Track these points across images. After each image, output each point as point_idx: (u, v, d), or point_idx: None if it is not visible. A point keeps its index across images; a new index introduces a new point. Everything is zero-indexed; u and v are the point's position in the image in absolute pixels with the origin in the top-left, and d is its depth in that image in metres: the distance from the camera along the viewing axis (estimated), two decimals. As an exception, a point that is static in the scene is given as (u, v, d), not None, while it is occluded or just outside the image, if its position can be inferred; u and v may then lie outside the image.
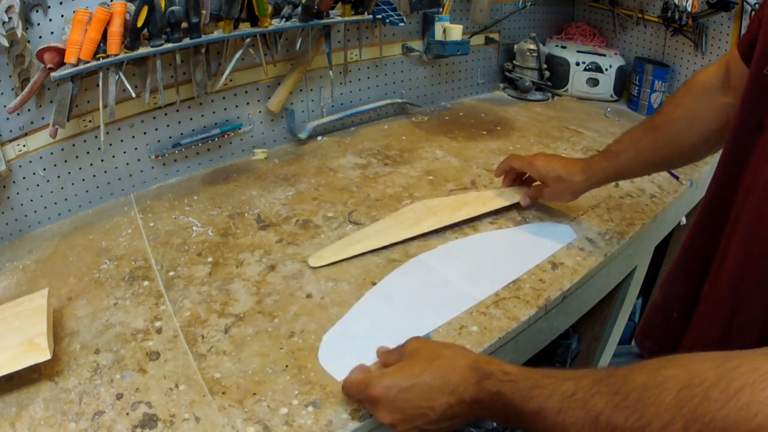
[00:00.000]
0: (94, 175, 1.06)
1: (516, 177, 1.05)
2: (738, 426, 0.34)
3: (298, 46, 1.21)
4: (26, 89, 0.86)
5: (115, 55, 0.91)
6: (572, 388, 0.44)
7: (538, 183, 0.98)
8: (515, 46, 1.75)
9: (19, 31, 0.82)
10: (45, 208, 1.00)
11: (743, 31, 1.43)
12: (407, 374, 0.56)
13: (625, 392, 0.40)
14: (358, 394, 0.60)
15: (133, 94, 0.98)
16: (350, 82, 1.42)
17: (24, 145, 0.93)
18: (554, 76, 1.76)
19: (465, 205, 1.00)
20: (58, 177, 1.00)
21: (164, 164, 1.16)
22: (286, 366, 0.69)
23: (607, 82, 1.72)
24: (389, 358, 0.63)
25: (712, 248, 0.61)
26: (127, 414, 0.61)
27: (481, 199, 1.02)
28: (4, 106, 0.87)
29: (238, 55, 1.11)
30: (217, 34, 1.03)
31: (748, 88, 0.58)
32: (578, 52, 1.75)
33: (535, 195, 0.99)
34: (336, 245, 0.91)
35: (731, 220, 0.58)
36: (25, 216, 0.98)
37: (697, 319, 0.63)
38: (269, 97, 1.27)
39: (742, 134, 0.59)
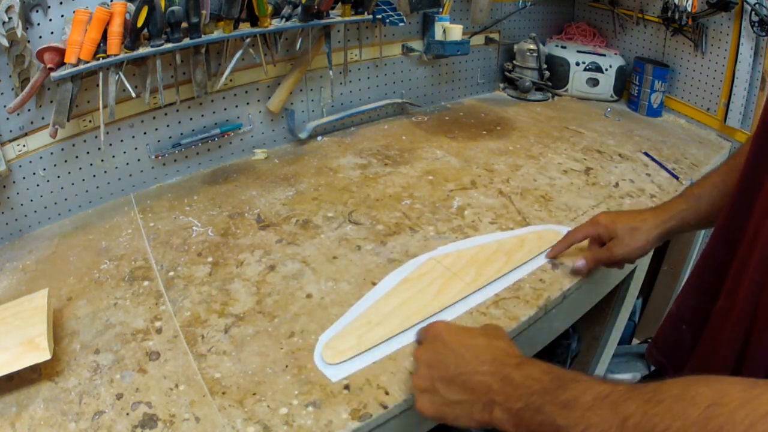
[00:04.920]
0: (94, 175, 1.06)
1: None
2: None
3: (298, 46, 1.21)
4: (26, 89, 0.86)
5: (115, 55, 0.91)
6: (607, 390, 0.44)
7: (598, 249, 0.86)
8: (515, 46, 1.75)
9: (19, 31, 0.82)
10: (45, 208, 1.00)
11: (743, 32, 1.43)
12: (466, 332, 0.60)
13: (656, 401, 0.40)
14: (427, 327, 0.64)
15: (133, 94, 0.98)
16: (350, 82, 1.42)
17: (24, 145, 0.93)
18: (554, 76, 1.76)
19: (488, 261, 0.87)
20: (58, 177, 1.00)
21: (164, 164, 1.16)
22: (286, 366, 0.69)
23: (607, 82, 1.72)
24: None
25: (729, 262, 0.60)
26: (127, 414, 0.61)
27: (504, 251, 0.90)
28: (4, 106, 0.87)
29: (238, 55, 1.11)
30: (217, 34, 1.03)
31: None
32: (578, 52, 1.74)
33: (594, 257, 0.84)
34: (352, 331, 0.73)
35: (750, 234, 0.57)
36: (25, 216, 0.98)
37: (709, 334, 0.62)
38: (269, 97, 1.27)
39: (761, 150, 0.58)
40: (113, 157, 1.07)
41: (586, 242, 0.88)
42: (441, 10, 1.47)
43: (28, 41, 0.86)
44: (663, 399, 0.40)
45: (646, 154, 1.34)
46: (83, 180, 1.04)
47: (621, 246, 0.81)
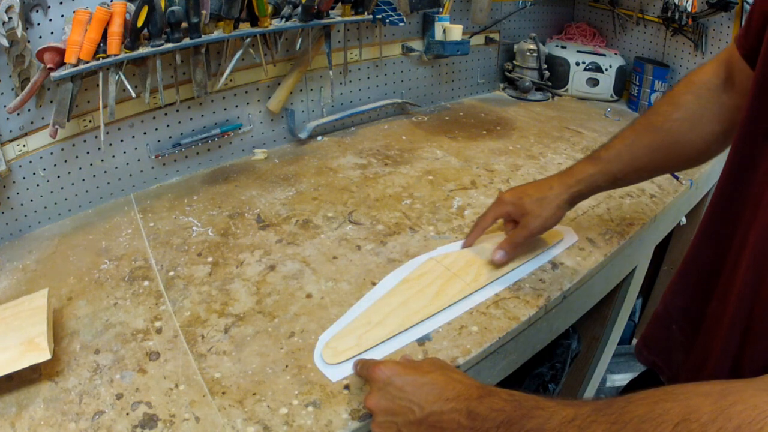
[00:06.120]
0: (94, 175, 1.06)
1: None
2: None
3: (298, 46, 1.21)
4: (26, 89, 0.86)
5: (115, 55, 0.91)
6: (572, 414, 0.44)
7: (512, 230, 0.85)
8: (515, 46, 1.75)
9: (19, 31, 0.82)
10: (45, 208, 1.00)
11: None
12: (415, 369, 0.57)
13: (622, 422, 0.40)
14: (364, 370, 0.61)
15: (133, 94, 0.98)
16: (350, 82, 1.42)
17: (24, 145, 0.93)
18: (554, 76, 1.76)
19: (488, 261, 0.86)
20: (58, 177, 1.00)
21: (164, 164, 1.16)
22: (286, 366, 0.69)
23: (607, 82, 1.72)
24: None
25: (718, 263, 0.59)
26: (127, 414, 0.61)
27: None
28: (4, 106, 0.87)
29: (238, 55, 1.11)
30: (217, 34, 1.03)
31: (754, 94, 0.54)
32: (578, 52, 1.75)
33: (511, 240, 0.83)
34: (352, 331, 0.73)
35: (739, 236, 0.56)
36: (25, 216, 0.98)
37: (704, 335, 0.62)
38: (269, 97, 1.27)
39: (747, 143, 0.56)
40: (113, 157, 1.07)
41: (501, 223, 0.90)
42: (441, 10, 1.47)
43: (28, 41, 0.86)
44: (630, 420, 0.40)
45: (646, 154, 1.33)
46: (83, 180, 1.04)
47: (533, 218, 0.81)
